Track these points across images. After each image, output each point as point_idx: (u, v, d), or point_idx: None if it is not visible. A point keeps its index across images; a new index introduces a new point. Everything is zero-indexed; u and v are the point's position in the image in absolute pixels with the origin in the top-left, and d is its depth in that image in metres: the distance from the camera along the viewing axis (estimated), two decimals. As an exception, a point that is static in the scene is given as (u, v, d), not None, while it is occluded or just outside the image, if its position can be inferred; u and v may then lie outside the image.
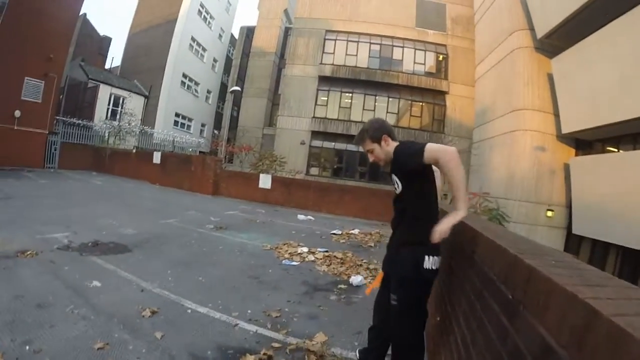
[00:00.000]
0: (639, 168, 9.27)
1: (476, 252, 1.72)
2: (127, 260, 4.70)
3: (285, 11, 26.89)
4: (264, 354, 2.70)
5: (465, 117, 20.09)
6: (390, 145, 2.11)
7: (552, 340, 0.79)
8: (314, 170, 21.48)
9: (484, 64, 16.97)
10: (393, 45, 21.27)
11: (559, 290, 0.81)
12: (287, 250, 6.24)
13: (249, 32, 27.67)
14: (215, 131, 29.29)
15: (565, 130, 11.94)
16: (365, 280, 5.02)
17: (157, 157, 14.87)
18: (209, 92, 29.27)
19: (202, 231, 7.14)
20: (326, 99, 21.39)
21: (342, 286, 4.67)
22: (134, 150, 18.10)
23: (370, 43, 21.29)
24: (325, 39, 21.55)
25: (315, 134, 21.17)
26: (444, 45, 21.40)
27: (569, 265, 1.04)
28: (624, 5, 9.08)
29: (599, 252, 11.25)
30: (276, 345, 2.88)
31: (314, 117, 21.05)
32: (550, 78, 12.69)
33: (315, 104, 21.23)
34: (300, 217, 10.64)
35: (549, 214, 12.67)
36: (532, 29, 13.13)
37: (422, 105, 21.40)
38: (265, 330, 3.16)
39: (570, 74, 11.42)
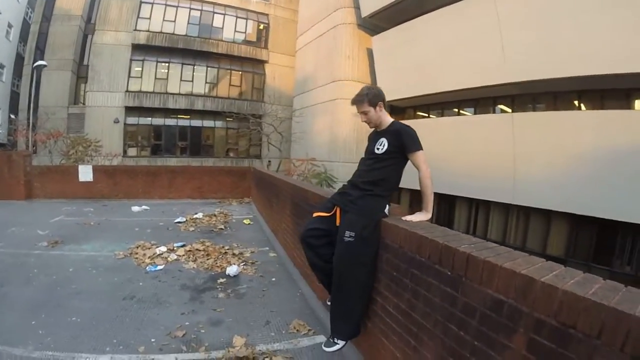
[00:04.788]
0: (447, 129, 12.00)
1: (389, 239, 2.37)
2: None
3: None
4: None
5: (285, 85, 21.72)
6: (383, 112, 2.65)
7: (501, 296, 1.44)
8: (132, 151, 20.27)
9: (306, 36, 18.36)
10: (214, 12, 21.10)
11: (499, 268, 1.45)
12: (144, 254, 5.95)
13: (52, -10, 22.50)
14: (12, 115, 22.95)
15: (382, 99, 14.43)
16: (240, 267, 5.34)
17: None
18: (1, 67, 22.94)
19: (37, 253, 6.12)
20: (141, 69, 20.01)
21: (222, 280, 4.90)
22: None
23: (191, 9, 20.59)
24: (141, 2, 19.84)
25: (130, 110, 19.77)
26: (266, 15, 22.31)
27: (482, 246, 1.74)
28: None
29: (417, 198, 14.00)
30: (206, 365, 2.98)
31: (127, 90, 19.49)
32: (370, 53, 14.77)
33: (129, 76, 19.66)
34: (135, 208, 10.15)
35: (370, 171, 15.15)
36: (356, 7, 14.90)
37: (241, 74, 22.17)
38: (185, 355, 3.14)
39: (389, 51, 13.53)
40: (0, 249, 6.26)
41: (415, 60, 12.37)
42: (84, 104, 20.09)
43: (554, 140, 8.96)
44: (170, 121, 20.88)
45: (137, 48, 19.58)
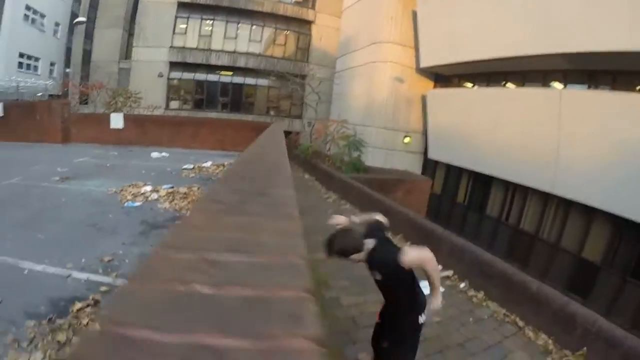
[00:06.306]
0: (489, 102, 10.97)
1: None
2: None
3: None
4: (92, 298, 2.89)
5: (330, 47, 20.84)
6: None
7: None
8: (174, 104, 20.70)
9: (353, -5, 17.37)
10: (261, -30, 20.41)
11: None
12: (130, 192, 6.28)
13: (104, -50, 23.17)
14: (68, 69, 24.45)
15: (423, 64, 13.26)
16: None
17: (-2, 109, 12.37)
18: (57, 24, 23.92)
19: (46, 185, 6.74)
20: (185, 26, 20.10)
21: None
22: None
23: (238, -34, 20.04)
24: (188, -39, 19.66)
25: (174, 65, 20.07)
26: (315, -26, 21.30)
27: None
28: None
29: (453, 175, 13.16)
30: (104, 289, 3.10)
31: (172, 46, 19.75)
32: (414, 15, 13.69)
33: (174, 32, 19.82)
34: (154, 154, 10.57)
35: (406, 140, 14.34)
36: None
37: (286, 34, 21.58)
38: (96, 276, 3.38)
39: (435, 14, 12.50)
40: (17, 181, 6.91)
41: (461, 25, 11.25)
42: (131, 59, 20.56)
43: (605, 125, 7.69)
44: (213, 77, 20.85)
45: (182, 5, 19.53)
